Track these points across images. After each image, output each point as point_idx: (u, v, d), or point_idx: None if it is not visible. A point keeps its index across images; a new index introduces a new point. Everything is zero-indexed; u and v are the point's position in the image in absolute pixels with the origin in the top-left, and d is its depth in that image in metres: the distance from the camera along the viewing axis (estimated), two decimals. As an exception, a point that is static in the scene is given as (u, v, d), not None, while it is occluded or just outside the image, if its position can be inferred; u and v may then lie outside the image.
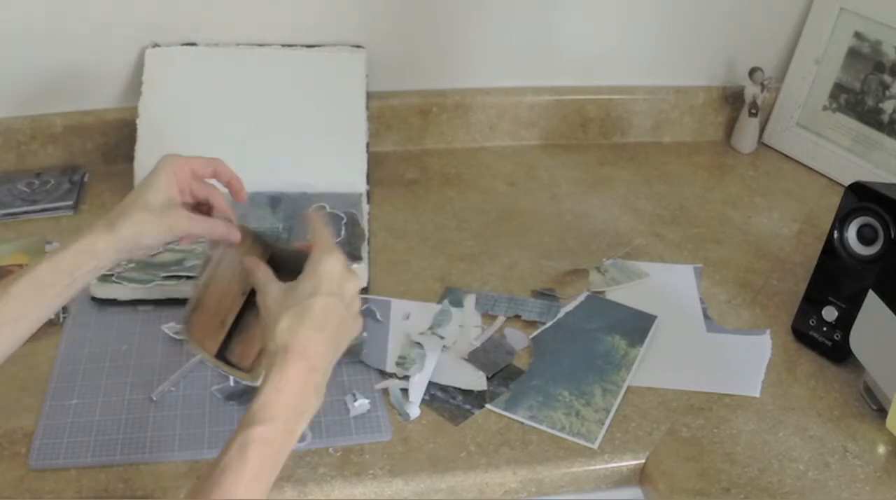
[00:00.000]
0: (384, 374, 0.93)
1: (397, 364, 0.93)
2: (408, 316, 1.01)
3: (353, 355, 0.95)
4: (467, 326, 1.00)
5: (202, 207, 0.85)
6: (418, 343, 0.96)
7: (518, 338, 1.00)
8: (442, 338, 0.98)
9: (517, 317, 1.03)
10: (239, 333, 0.81)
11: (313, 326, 0.71)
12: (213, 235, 0.83)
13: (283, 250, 0.83)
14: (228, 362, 0.81)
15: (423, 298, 1.03)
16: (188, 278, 0.99)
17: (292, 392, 0.68)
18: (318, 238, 0.77)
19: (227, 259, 0.83)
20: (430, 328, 0.99)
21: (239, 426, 0.66)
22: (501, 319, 1.02)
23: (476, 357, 0.96)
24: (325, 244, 0.76)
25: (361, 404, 0.89)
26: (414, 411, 0.89)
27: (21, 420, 0.85)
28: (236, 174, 0.86)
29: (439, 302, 1.04)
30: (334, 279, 0.74)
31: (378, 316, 1.01)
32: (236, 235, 0.83)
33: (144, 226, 0.79)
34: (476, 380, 0.93)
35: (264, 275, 0.77)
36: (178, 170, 0.82)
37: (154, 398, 0.89)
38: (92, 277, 0.80)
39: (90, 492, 0.79)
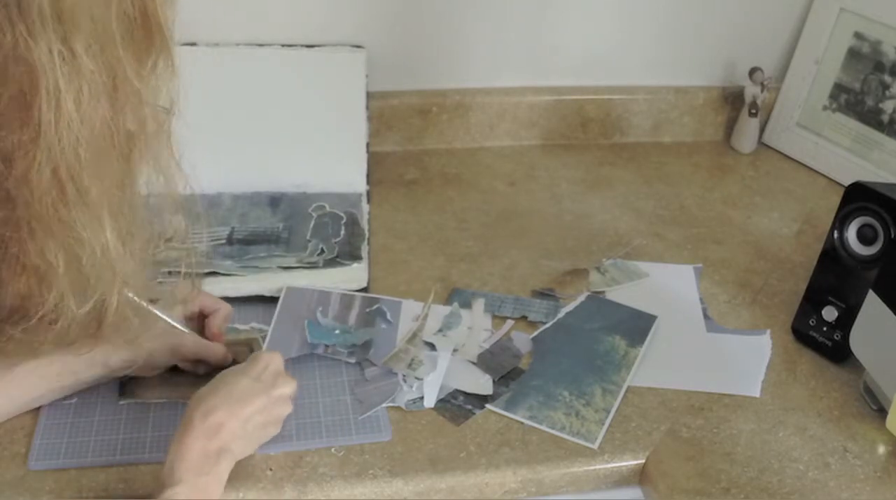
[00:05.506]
0: (393, 374, 0.93)
1: (409, 367, 0.93)
2: (417, 317, 1.00)
3: (362, 353, 0.95)
4: (476, 328, 1.00)
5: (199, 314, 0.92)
6: (429, 344, 0.97)
7: (523, 340, 0.99)
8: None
9: (523, 318, 1.03)
10: None
11: (228, 399, 0.75)
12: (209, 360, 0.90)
13: None
14: None
15: (423, 298, 1.03)
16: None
17: (191, 455, 0.72)
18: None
19: None
20: (440, 330, 0.99)
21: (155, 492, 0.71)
22: (510, 322, 1.02)
23: (484, 361, 0.96)
24: (275, 351, 0.85)
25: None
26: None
27: (21, 420, 0.85)
28: (223, 330, 0.92)
29: (446, 303, 1.04)
30: (268, 372, 0.80)
31: (388, 317, 1.01)
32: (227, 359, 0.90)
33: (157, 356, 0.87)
34: (483, 384, 0.93)
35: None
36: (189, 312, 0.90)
37: None
38: (91, 382, 0.86)
39: (90, 492, 0.79)
